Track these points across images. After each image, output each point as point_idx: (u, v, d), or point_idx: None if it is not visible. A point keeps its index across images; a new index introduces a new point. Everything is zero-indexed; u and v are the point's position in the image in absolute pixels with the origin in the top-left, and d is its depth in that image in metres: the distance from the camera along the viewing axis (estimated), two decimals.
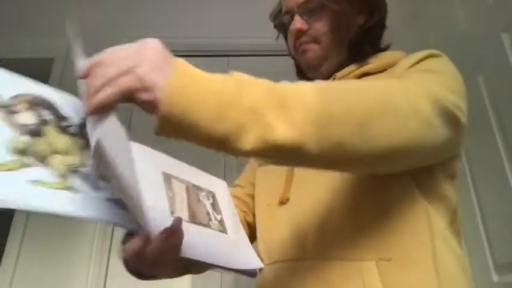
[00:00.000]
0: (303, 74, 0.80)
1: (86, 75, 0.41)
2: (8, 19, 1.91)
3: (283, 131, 0.40)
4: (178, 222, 0.45)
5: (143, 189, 0.46)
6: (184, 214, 0.57)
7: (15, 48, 1.83)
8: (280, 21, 0.80)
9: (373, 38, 0.73)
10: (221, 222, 0.64)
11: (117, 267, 1.53)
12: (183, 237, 0.45)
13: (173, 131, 0.39)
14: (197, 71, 0.44)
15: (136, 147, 0.61)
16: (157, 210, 0.53)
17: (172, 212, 0.55)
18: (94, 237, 1.54)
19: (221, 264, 0.53)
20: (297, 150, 0.41)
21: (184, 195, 0.61)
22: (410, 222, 0.55)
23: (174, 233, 0.44)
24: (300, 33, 0.71)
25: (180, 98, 0.38)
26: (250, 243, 0.65)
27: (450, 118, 0.52)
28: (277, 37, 0.86)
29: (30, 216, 1.55)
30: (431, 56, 0.62)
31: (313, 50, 0.71)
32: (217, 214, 0.64)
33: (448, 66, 0.60)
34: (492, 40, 1.22)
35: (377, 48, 0.73)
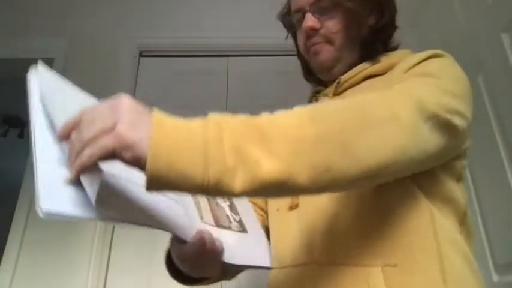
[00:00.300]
0: (311, 74, 0.79)
1: (63, 138, 0.41)
2: (8, 19, 1.91)
3: (268, 166, 0.39)
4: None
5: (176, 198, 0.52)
6: (210, 218, 0.59)
7: (15, 48, 1.82)
8: (290, 20, 0.78)
9: (384, 38, 0.72)
10: (240, 222, 0.66)
11: (118, 266, 1.53)
12: (219, 246, 0.51)
13: (163, 184, 0.37)
14: (175, 121, 0.41)
15: None
16: (191, 217, 0.55)
17: (201, 218, 0.57)
18: (94, 236, 1.54)
19: (248, 263, 0.57)
20: (286, 182, 0.40)
21: (206, 200, 0.63)
22: (414, 226, 0.55)
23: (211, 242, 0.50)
24: (312, 31, 0.70)
25: (162, 151, 0.37)
26: (267, 240, 0.69)
27: (443, 124, 0.50)
28: (287, 37, 0.84)
29: (30, 216, 1.55)
30: (433, 57, 0.60)
31: (327, 51, 0.70)
32: (236, 215, 0.66)
33: (451, 68, 0.59)
34: (492, 40, 1.22)
35: (388, 47, 0.72)
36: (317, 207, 0.61)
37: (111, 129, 0.37)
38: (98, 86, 1.77)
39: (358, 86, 0.68)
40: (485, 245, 1.24)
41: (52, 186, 0.37)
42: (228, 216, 0.64)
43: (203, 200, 0.62)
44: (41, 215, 0.34)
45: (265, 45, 1.88)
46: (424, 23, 1.74)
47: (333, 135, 0.42)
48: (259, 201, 0.80)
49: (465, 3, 1.43)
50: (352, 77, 0.68)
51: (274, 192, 0.42)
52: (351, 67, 0.70)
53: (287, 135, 0.41)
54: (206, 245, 0.49)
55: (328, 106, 0.49)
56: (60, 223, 1.53)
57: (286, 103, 2.00)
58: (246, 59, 1.88)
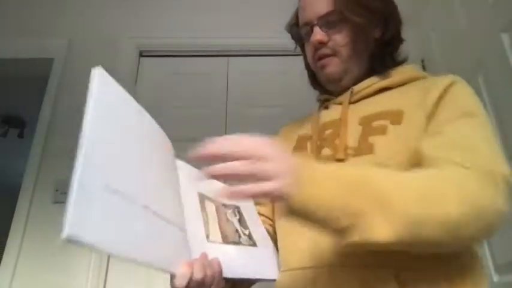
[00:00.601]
0: (318, 84, 0.81)
1: (206, 156, 0.47)
2: (8, 19, 1.91)
3: (383, 233, 0.44)
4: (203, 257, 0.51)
5: (186, 213, 0.54)
6: (217, 236, 0.60)
7: (15, 48, 1.82)
8: (298, 32, 0.80)
9: (391, 50, 0.74)
10: (249, 236, 0.67)
11: (118, 266, 1.53)
12: (218, 269, 0.52)
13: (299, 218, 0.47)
14: (318, 177, 0.48)
15: (178, 162, 0.64)
16: (197, 237, 0.56)
17: (207, 236, 0.58)
18: None
19: (258, 276, 0.58)
20: (389, 246, 0.46)
21: (215, 216, 0.63)
22: None
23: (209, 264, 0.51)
24: (320, 44, 0.72)
25: (306, 203, 0.45)
26: (276, 253, 0.70)
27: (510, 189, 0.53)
28: (295, 48, 0.86)
29: (30, 215, 1.55)
30: (454, 83, 0.63)
31: (334, 64, 0.72)
32: (245, 229, 0.67)
33: (473, 96, 0.62)
34: (492, 40, 1.22)
35: (396, 60, 0.75)
36: None
37: (276, 178, 0.45)
38: None
39: (372, 98, 0.70)
40: (485, 245, 1.24)
41: (89, 212, 0.35)
42: (237, 230, 0.65)
43: (213, 216, 0.62)
44: (64, 236, 0.33)
45: (265, 45, 1.88)
46: (424, 23, 1.74)
47: (448, 220, 0.47)
48: (266, 210, 0.80)
49: (465, 3, 1.43)
50: (365, 88, 0.71)
51: (372, 248, 0.47)
52: (358, 79, 0.72)
53: (406, 210, 0.46)
54: (194, 276, 0.49)
55: (447, 186, 0.50)
56: (60, 224, 1.52)
57: (286, 103, 2.01)
58: (246, 59, 1.88)
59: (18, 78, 2.23)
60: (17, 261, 1.49)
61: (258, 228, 0.71)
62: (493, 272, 1.20)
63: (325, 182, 0.46)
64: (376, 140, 0.62)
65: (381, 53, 0.73)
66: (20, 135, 3.14)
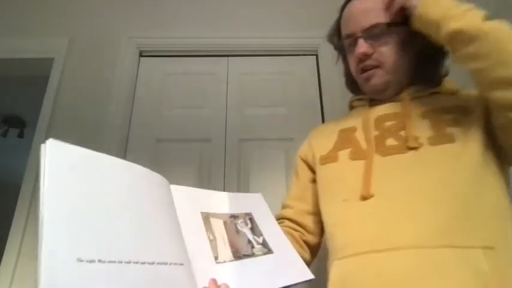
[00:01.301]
0: (358, 89, 0.85)
1: None
2: (7, 19, 1.91)
3: (470, 21, 0.62)
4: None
5: (188, 240, 0.52)
6: (227, 254, 0.59)
7: (15, 48, 1.82)
8: (340, 44, 0.83)
9: (434, 63, 0.78)
10: (264, 243, 0.66)
11: None
12: None
13: (420, 24, 0.68)
14: None
15: (173, 189, 0.61)
16: (204, 263, 0.54)
17: (216, 258, 0.57)
18: None
19: (278, 285, 0.57)
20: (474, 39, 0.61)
21: (224, 232, 0.62)
22: (505, 209, 0.62)
23: None
24: (365, 56, 0.74)
25: (429, 7, 0.66)
26: (296, 253, 0.69)
27: None
28: (337, 61, 0.90)
29: (30, 215, 1.55)
30: None
31: (378, 75, 0.75)
32: (259, 236, 0.67)
33: None
34: None
35: (440, 74, 0.79)
36: (401, 195, 0.65)
37: None
38: (98, 86, 1.78)
39: (427, 98, 0.75)
40: None
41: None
42: (249, 241, 0.64)
43: (220, 233, 0.61)
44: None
45: (265, 45, 1.88)
46: None
47: None
48: (296, 215, 0.83)
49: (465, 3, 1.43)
50: (419, 91, 0.76)
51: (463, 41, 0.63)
52: (403, 87, 0.77)
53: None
54: None
55: None
56: None
57: (286, 103, 2.00)
58: (246, 59, 1.88)
59: (18, 78, 2.23)
60: (17, 261, 1.48)
61: (273, 232, 0.70)
62: None
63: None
64: (455, 131, 0.67)
65: (424, 66, 0.76)
66: (20, 135, 3.14)
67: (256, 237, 0.66)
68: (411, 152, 0.68)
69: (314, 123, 1.73)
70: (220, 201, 0.68)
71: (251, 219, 0.68)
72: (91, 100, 1.74)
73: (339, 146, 0.78)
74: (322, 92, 1.77)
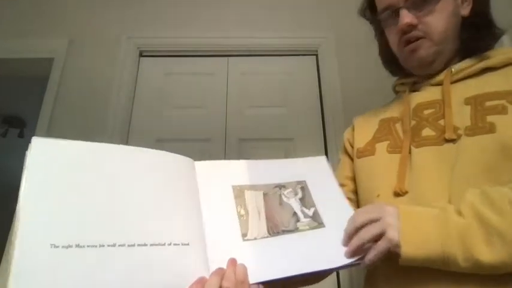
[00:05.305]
0: (399, 69, 0.79)
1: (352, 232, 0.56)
2: (7, 19, 1.91)
3: (488, 256, 0.49)
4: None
5: (209, 218, 0.51)
6: (261, 229, 0.54)
7: (15, 48, 1.82)
8: (375, 18, 0.77)
9: (483, 31, 0.72)
10: (314, 216, 0.59)
11: None
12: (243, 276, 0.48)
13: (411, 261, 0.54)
14: (417, 215, 0.55)
15: (199, 166, 0.58)
16: (226, 237, 0.51)
17: (244, 235, 0.53)
18: None
19: (312, 269, 0.51)
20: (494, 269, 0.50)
21: (261, 206, 0.57)
22: None
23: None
24: (410, 28, 0.68)
25: (411, 244, 0.53)
26: None
27: None
28: (376, 36, 0.84)
29: None
30: None
31: (426, 47, 0.69)
32: (309, 208, 0.59)
33: None
34: None
35: (491, 41, 0.72)
36: (434, 192, 0.60)
37: (384, 234, 0.54)
38: (98, 86, 1.78)
39: (474, 79, 0.68)
40: None
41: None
42: (295, 214, 0.57)
43: (255, 207, 0.56)
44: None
45: (265, 45, 1.88)
46: None
47: None
48: (347, 194, 0.76)
49: None
50: (466, 68, 0.68)
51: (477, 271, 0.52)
52: (449, 61, 0.71)
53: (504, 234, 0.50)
54: None
55: None
56: None
57: (286, 103, 2.00)
58: (246, 59, 1.88)
59: (18, 78, 2.23)
60: None
61: (331, 202, 0.61)
62: None
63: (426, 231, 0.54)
64: (497, 120, 0.59)
65: (473, 33, 0.70)
66: (20, 135, 3.14)
67: (305, 209, 0.59)
68: (448, 145, 0.62)
69: (314, 123, 1.73)
70: (265, 171, 0.62)
71: (303, 188, 0.61)
72: (91, 100, 1.74)
73: (377, 137, 0.74)
74: (322, 92, 1.77)
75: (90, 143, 0.47)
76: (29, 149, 0.42)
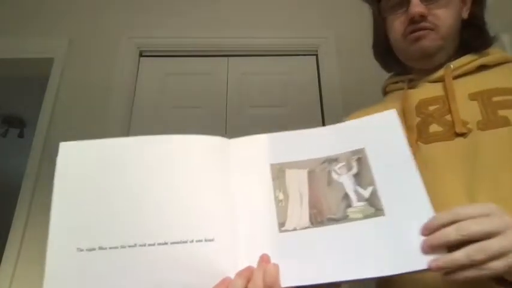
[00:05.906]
0: (394, 62, 0.79)
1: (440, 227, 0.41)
2: (8, 19, 1.91)
3: None
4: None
5: (241, 206, 0.46)
6: (302, 218, 0.45)
7: (15, 48, 1.82)
8: (378, 6, 0.77)
9: (482, 31, 0.74)
10: (371, 198, 0.45)
11: None
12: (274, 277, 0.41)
13: None
14: None
15: (235, 144, 0.54)
16: (260, 228, 0.45)
17: (282, 224, 0.45)
18: None
19: (358, 277, 0.40)
20: None
21: (305, 187, 0.47)
22: None
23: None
24: (420, 17, 0.69)
25: None
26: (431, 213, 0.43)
27: None
28: (380, 19, 0.80)
29: (30, 215, 1.55)
30: None
31: (431, 38, 0.70)
32: (366, 187, 0.46)
33: None
34: None
35: (487, 41, 0.74)
36: (452, 186, 0.58)
37: (507, 254, 0.39)
38: (98, 86, 1.78)
39: (473, 76, 0.69)
40: None
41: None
42: (346, 196, 0.46)
43: (297, 190, 0.47)
44: None
45: (265, 45, 1.88)
46: None
47: None
48: None
49: None
50: (465, 65, 0.69)
51: None
52: (449, 57, 0.72)
53: None
54: None
55: None
56: None
57: (287, 103, 2.00)
58: (246, 59, 1.88)
59: (18, 78, 2.23)
60: (17, 260, 1.48)
61: (399, 181, 0.45)
62: None
63: None
64: (509, 114, 0.60)
65: (474, 31, 0.73)
66: (20, 135, 3.14)
67: (360, 189, 0.46)
68: (459, 139, 0.61)
69: (314, 123, 1.73)
70: (313, 142, 0.51)
71: (360, 160, 0.48)
72: (91, 100, 1.74)
73: None
74: (322, 92, 1.77)
75: (117, 139, 0.49)
76: (58, 155, 0.45)
